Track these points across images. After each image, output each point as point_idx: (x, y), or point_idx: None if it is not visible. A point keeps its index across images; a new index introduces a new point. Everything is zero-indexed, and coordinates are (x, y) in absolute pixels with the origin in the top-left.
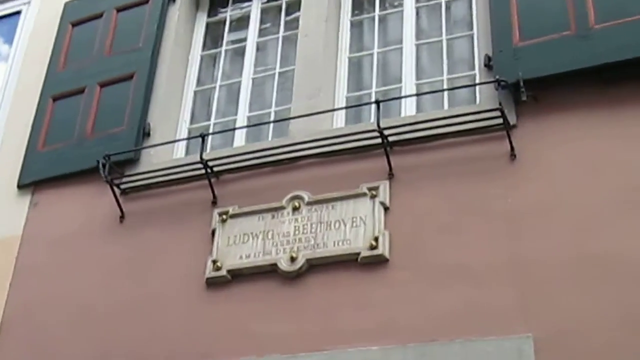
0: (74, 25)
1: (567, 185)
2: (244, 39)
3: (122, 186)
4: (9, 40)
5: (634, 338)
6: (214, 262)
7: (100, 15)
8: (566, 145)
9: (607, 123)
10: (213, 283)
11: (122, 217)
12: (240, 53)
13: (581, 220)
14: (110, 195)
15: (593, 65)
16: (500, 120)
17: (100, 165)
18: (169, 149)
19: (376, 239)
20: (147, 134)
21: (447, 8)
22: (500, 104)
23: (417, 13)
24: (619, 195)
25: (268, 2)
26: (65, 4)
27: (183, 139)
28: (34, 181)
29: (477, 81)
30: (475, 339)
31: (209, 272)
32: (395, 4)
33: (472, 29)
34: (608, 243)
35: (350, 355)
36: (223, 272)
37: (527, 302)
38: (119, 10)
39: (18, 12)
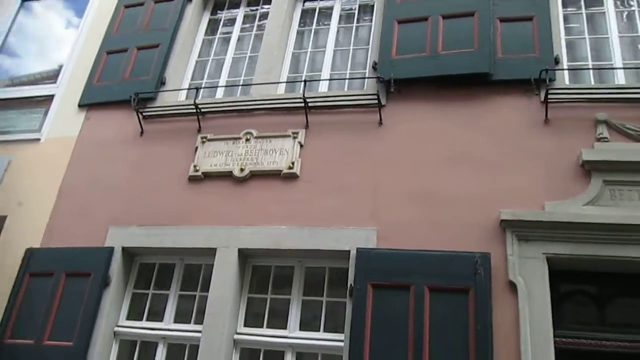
0: (126, 7)
1: (411, 144)
2: (231, 32)
3: (144, 114)
4: (80, 14)
5: (435, 233)
6: (195, 166)
7: (141, 4)
8: (412, 119)
9: (439, 110)
10: (193, 179)
11: (142, 133)
12: (227, 40)
13: (417, 164)
14: (136, 119)
15: (436, 75)
16: (376, 101)
17: (132, 99)
18: (175, 94)
19: (293, 163)
20: (163, 83)
21: (356, 29)
22: (377, 91)
23: (338, 31)
24: (441, 154)
25: (248, 11)
26: None
27: (185, 89)
28: (89, 103)
29: (367, 76)
30: (343, 227)
31: (191, 172)
32: (326, 23)
33: (368, 44)
34: (430, 182)
35: (269, 229)
36: (199, 173)
37: (377, 210)
38: (156, 2)
39: None
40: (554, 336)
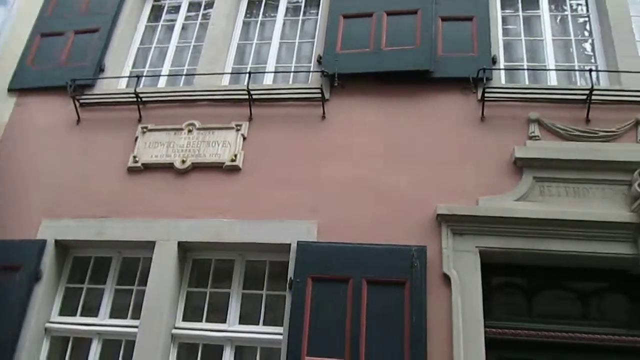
0: None
1: (353, 136)
2: (175, 20)
3: (81, 101)
4: None
5: (374, 227)
6: (134, 157)
7: None
8: (355, 114)
9: (381, 106)
10: (132, 170)
11: (78, 121)
12: (170, 28)
13: (358, 158)
14: (72, 106)
15: (378, 71)
16: (320, 95)
17: (68, 86)
18: (115, 81)
19: (235, 156)
20: (102, 70)
21: (302, 23)
22: (321, 85)
23: (284, 23)
24: (382, 149)
25: None
26: None
27: (125, 77)
28: (20, 88)
29: (312, 70)
30: (284, 221)
31: (131, 163)
32: (272, 14)
33: (314, 38)
34: (371, 176)
35: (210, 222)
36: (139, 164)
37: (318, 203)
38: None
39: None
40: (485, 326)
